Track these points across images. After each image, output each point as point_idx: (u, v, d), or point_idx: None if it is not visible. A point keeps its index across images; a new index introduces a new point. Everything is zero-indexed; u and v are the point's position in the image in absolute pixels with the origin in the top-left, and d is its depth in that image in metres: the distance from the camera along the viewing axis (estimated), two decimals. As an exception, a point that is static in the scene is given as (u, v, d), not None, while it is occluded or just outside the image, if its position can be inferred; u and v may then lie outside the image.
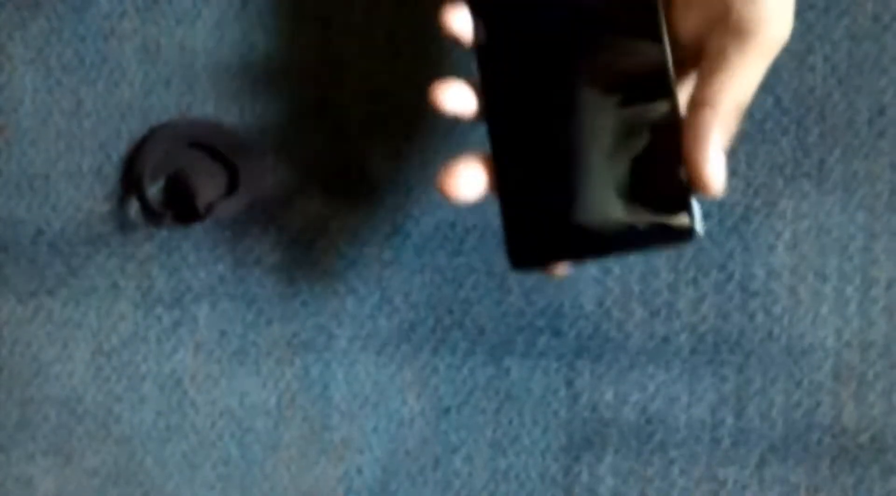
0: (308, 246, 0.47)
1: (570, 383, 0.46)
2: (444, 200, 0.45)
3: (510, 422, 0.47)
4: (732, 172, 0.45)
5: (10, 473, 0.50)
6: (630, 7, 0.36)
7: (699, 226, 0.35)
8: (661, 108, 0.35)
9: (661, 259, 0.46)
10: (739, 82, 0.34)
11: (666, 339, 0.46)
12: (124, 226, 0.48)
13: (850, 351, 0.45)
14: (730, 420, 0.46)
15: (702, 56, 0.35)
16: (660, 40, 0.35)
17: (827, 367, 0.45)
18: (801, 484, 0.46)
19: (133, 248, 0.48)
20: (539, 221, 0.36)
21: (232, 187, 0.46)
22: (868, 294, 0.45)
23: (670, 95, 0.35)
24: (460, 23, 0.37)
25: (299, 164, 0.47)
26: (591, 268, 0.46)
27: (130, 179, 0.44)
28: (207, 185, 0.45)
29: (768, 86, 0.44)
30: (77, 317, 0.49)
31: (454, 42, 0.37)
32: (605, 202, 0.35)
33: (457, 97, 0.36)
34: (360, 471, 0.48)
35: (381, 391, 0.47)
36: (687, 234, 0.34)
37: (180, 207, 0.46)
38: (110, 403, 0.49)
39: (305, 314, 0.47)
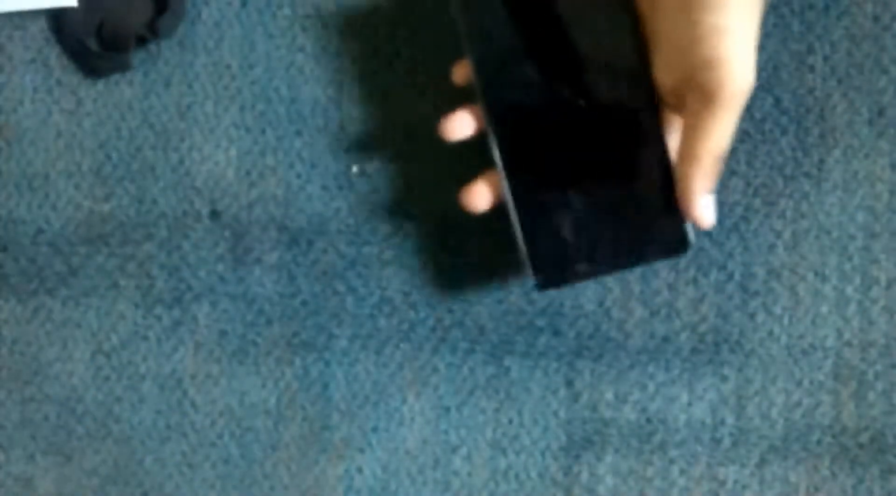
0: (308, 246, 0.47)
1: (570, 383, 0.46)
2: (445, 201, 0.46)
3: (510, 422, 0.47)
4: (732, 172, 0.45)
5: (10, 473, 0.50)
6: (621, 65, 0.40)
7: (692, 237, 0.41)
8: (651, 140, 0.40)
9: (661, 259, 0.46)
10: (713, 137, 0.37)
11: (666, 339, 0.46)
12: (124, 225, 0.48)
13: (850, 351, 0.45)
14: (730, 420, 0.46)
15: (682, 111, 0.39)
16: (648, 82, 0.40)
17: (827, 367, 0.45)
18: (801, 484, 0.46)
19: (133, 247, 0.48)
20: (556, 245, 0.41)
21: (161, 8, 0.46)
22: (868, 294, 0.45)
23: (658, 129, 0.40)
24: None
25: (299, 163, 0.47)
26: (591, 268, 0.46)
27: (68, 40, 0.45)
28: (135, 13, 0.46)
29: (768, 86, 0.44)
30: (77, 317, 0.49)
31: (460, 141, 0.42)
32: (610, 223, 0.41)
33: (461, 126, 0.42)
34: (360, 470, 0.48)
35: (381, 391, 0.47)
36: (683, 246, 0.41)
37: (119, 43, 0.46)
38: (110, 403, 0.49)
39: (305, 314, 0.47)
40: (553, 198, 0.41)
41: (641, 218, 0.41)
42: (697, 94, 0.37)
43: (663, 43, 0.38)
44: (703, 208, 0.39)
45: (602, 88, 0.40)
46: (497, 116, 0.41)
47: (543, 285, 0.42)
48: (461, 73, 0.41)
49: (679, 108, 0.39)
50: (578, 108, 0.40)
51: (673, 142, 0.40)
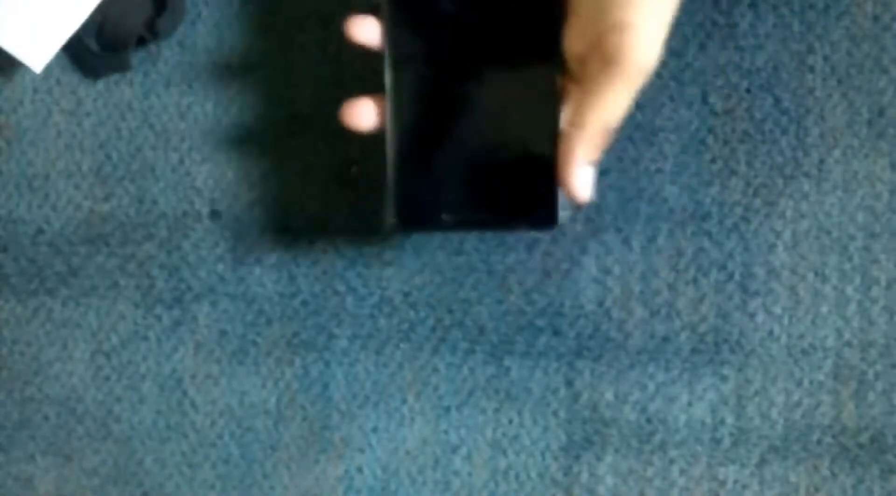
0: (308, 246, 0.47)
1: (570, 383, 0.46)
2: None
3: (510, 422, 0.47)
4: (732, 172, 0.45)
5: (10, 473, 0.50)
6: (533, 15, 0.39)
7: (560, 215, 0.40)
8: (544, 110, 0.39)
9: (661, 258, 0.46)
10: (605, 106, 0.37)
11: (666, 339, 0.46)
12: (124, 225, 0.48)
13: (850, 351, 0.45)
14: (730, 420, 0.46)
15: (582, 79, 0.38)
16: (556, 47, 0.39)
17: (827, 367, 0.45)
18: (801, 483, 0.46)
19: (133, 247, 0.48)
20: (425, 189, 0.41)
21: (161, 8, 0.46)
22: (868, 294, 0.45)
23: (554, 97, 0.39)
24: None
25: (299, 164, 0.47)
26: (591, 268, 0.46)
27: (68, 40, 0.45)
28: (135, 13, 0.46)
29: (768, 86, 0.44)
30: (77, 317, 0.49)
31: (361, 48, 0.41)
32: (484, 179, 0.40)
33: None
34: (360, 470, 0.48)
35: (381, 391, 0.47)
36: (550, 220, 0.40)
37: (119, 43, 0.47)
38: (110, 403, 0.49)
39: (305, 314, 0.47)
40: (433, 138, 0.40)
41: (516, 182, 0.40)
42: (600, 59, 0.36)
43: (577, 7, 0.38)
44: (580, 178, 0.38)
45: (507, 41, 0.40)
46: (397, 39, 0.40)
47: (402, 225, 0.41)
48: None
49: (581, 77, 0.38)
50: (479, 56, 0.40)
51: (567, 114, 0.40)
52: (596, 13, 0.36)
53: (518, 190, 0.40)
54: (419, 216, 0.41)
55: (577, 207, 0.45)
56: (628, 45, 0.35)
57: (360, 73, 0.46)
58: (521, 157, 0.40)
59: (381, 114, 0.41)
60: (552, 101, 0.39)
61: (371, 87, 0.43)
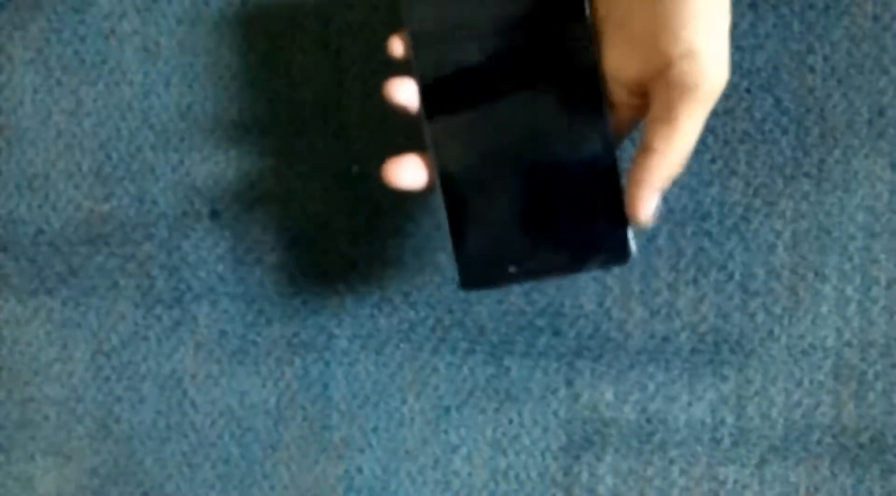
0: (308, 246, 0.47)
1: (570, 383, 0.46)
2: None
3: (510, 422, 0.47)
4: (732, 172, 0.45)
5: (10, 473, 0.50)
6: (568, 54, 0.37)
7: (635, 250, 0.38)
8: (599, 144, 0.37)
9: (661, 259, 0.46)
10: (684, 130, 0.36)
11: (666, 339, 0.46)
12: (124, 225, 0.48)
13: (850, 351, 0.45)
14: (730, 420, 0.46)
15: (649, 102, 0.37)
16: (598, 76, 0.37)
17: (827, 367, 0.45)
18: (801, 484, 0.46)
19: (133, 247, 0.48)
20: (487, 244, 0.38)
21: None
22: (868, 294, 0.45)
23: (606, 133, 0.37)
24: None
25: (299, 163, 0.47)
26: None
27: None
28: None
29: (768, 86, 0.44)
30: (77, 317, 0.49)
31: (400, 111, 0.39)
32: (547, 224, 0.38)
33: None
34: (360, 470, 0.48)
35: (381, 391, 0.47)
36: (623, 255, 0.37)
37: None
38: (110, 403, 0.49)
39: (305, 314, 0.47)
40: (487, 191, 0.38)
41: (582, 222, 0.38)
42: (671, 85, 0.36)
43: (624, 33, 0.37)
44: (648, 205, 0.37)
45: (547, 77, 0.37)
46: (432, 95, 0.38)
47: (468, 284, 0.38)
48: (399, 44, 0.39)
49: (639, 103, 0.38)
50: (520, 97, 0.38)
51: (643, 138, 0.39)
52: (647, 42, 0.36)
53: (585, 229, 0.38)
54: (486, 275, 0.38)
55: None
56: (702, 71, 0.35)
57: (361, 73, 0.46)
58: (583, 194, 0.37)
59: (430, 170, 0.39)
60: (604, 131, 0.37)
61: (371, 87, 0.43)
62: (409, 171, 0.39)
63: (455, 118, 0.38)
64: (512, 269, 0.38)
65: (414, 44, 0.38)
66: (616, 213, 0.37)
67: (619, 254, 0.37)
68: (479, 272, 0.38)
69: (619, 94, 0.38)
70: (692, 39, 0.35)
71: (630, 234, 0.37)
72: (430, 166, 0.39)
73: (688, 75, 0.35)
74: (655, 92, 0.36)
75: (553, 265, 0.38)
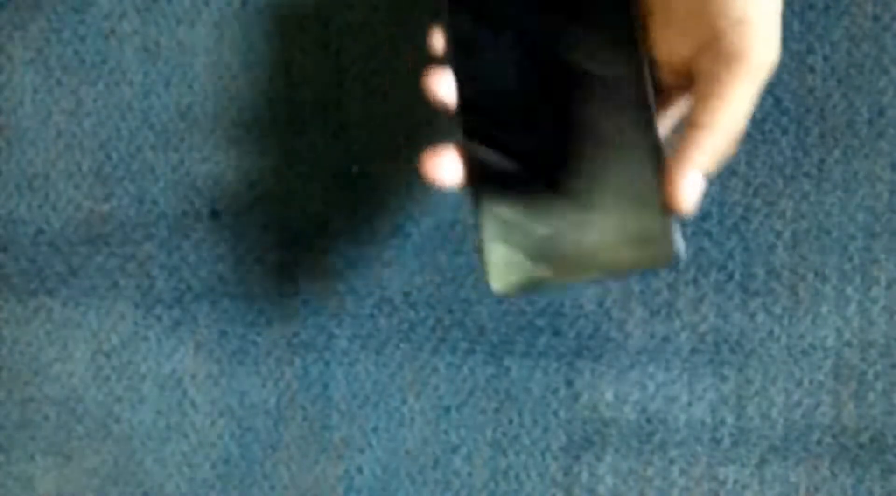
0: (308, 246, 0.47)
1: (570, 383, 0.46)
2: (445, 201, 0.45)
3: (510, 422, 0.47)
4: (732, 172, 0.45)
5: (10, 473, 0.50)
6: (609, 37, 0.36)
7: (682, 251, 0.35)
8: (643, 133, 0.35)
9: (661, 259, 0.46)
10: (734, 105, 0.35)
11: (666, 339, 0.46)
12: (124, 225, 0.48)
13: (850, 351, 0.45)
14: (730, 420, 0.46)
15: (694, 80, 0.36)
16: (639, 67, 0.36)
17: (827, 367, 0.45)
18: (801, 484, 0.46)
19: (133, 247, 0.48)
20: (523, 248, 0.36)
21: None
22: (868, 294, 0.45)
23: (651, 122, 0.35)
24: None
25: (299, 163, 0.47)
26: (591, 268, 0.46)
27: None
28: None
29: (768, 86, 0.44)
30: (77, 318, 0.49)
31: (440, 108, 0.37)
32: (590, 227, 0.35)
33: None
34: (360, 470, 0.48)
35: (381, 391, 0.47)
36: (669, 259, 0.35)
37: None
38: (110, 403, 0.49)
39: (305, 314, 0.47)
40: (522, 189, 0.36)
41: (624, 224, 0.35)
42: (719, 58, 0.34)
43: (671, 12, 0.36)
44: (690, 185, 0.35)
45: (588, 68, 0.36)
46: (470, 89, 0.36)
47: (502, 290, 0.36)
48: (439, 38, 0.37)
49: (686, 83, 0.36)
50: (562, 91, 0.36)
51: (663, 129, 0.37)
52: (711, 11, 0.34)
53: (628, 232, 0.35)
54: (521, 280, 0.36)
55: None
56: (752, 41, 0.34)
57: (361, 73, 0.46)
58: (626, 195, 0.35)
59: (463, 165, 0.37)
60: (649, 126, 0.35)
61: (371, 87, 0.43)
62: (448, 166, 0.36)
63: (493, 112, 0.36)
64: (548, 273, 0.36)
65: (453, 36, 0.36)
66: (661, 211, 0.35)
67: (665, 256, 0.35)
68: (514, 277, 0.36)
69: (667, 79, 0.37)
70: (743, 8, 0.34)
71: (677, 233, 0.35)
72: (462, 161, 0.37)
73: (737, 45, 0.34)
74: (703, 67, 0.35)
75: (590, 267, 0.35)
